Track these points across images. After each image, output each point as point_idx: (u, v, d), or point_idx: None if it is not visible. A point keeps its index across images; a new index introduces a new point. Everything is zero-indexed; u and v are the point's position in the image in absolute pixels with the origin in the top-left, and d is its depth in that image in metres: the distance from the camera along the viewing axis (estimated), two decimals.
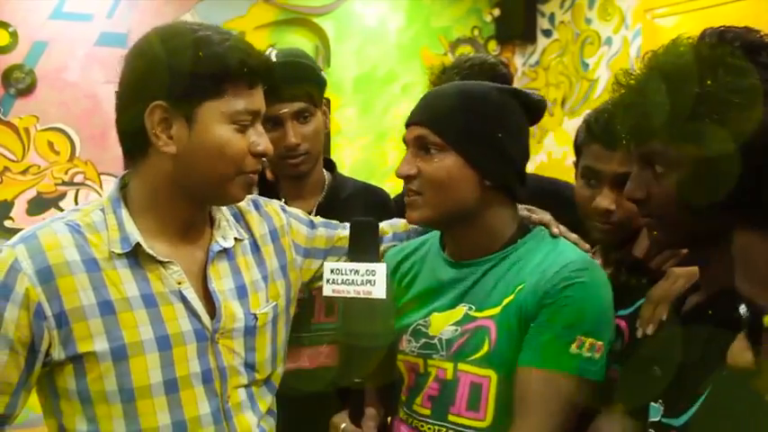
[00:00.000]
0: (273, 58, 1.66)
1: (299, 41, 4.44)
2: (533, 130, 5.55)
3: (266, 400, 1.33)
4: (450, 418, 1.31)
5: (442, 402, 1.32)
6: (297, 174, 1.73)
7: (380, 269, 1.29)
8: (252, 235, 1.35)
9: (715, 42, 0.93)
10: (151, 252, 1.18)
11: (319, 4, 4.51)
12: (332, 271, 1.31)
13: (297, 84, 1.64)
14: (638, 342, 1.18)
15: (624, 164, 1.37)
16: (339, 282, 1.30)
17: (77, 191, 3.88)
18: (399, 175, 1.33)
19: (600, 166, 1.43)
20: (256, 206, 1.40)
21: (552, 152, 4.77)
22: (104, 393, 1.14)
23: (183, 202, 1.21)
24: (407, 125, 1.35)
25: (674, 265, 1.27)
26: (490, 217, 1.34)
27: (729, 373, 0.84)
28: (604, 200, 1.42)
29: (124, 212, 1.19)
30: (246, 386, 1.27)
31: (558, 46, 4.84)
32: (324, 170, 1.84)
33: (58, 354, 1.12)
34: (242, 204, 1.36)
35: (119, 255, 1.16)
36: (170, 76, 1.13)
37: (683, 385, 0.94)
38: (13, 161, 3.77)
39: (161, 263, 1.19)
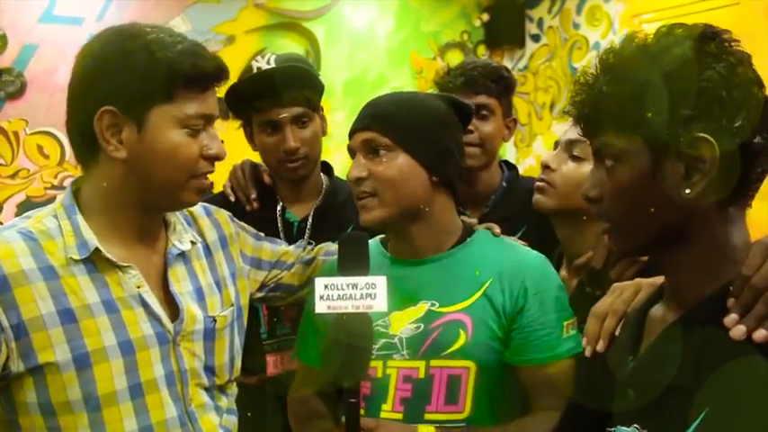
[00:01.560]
0: (273, 63, 1.68)
1: (290, 45, 4.45)
2: (522, 133, 5.54)
3: (225, 401, 1.32)
4: (427, 416, 1.33)
5: (417, 403, 1.34)
6: (295, 177, 1.75)
7: (380, 282, 1.27)
8: (204, 240, 1.34)
9: (664, 33, 0.91)
10: (110, 257, 1.15)
11: (309, 8, 4.52)
12: (326, 287, 1.28)
13: (296, 89, 1.66)
14: (596, 361, 1.08)
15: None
16: (335, 297, 1.27)
17: None
18: (351, 179, 1.36)
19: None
20: (207, 212, 1.39)
21: (541, 156, 4.81)
22: (68, 404, 1.10)
23: (135, 208, 1.19)
24: (352, 134, 1.39)
25: (635, 273, 1.26)
26: (439, 213, 1.41)
27: (730, 390, 0.80)
28: (552, 157, 1.51)
29: (80, 218, 1.16)
30: (207, 389, 1.26)
31: (546, 50, 4.88)
32: (321, 174, 1.85)
33: (16, 366, 1.08)
34: (194, 210, 1.35)
35: (76, 261, 1.13)
36: (120, 81, 1.11)
37: (669, 408, 0.87)
38: (2, 165, 3.74)
39: (119, 267, 1.16)
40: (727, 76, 0.86)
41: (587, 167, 1.40)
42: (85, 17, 3.89)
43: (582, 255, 1.49)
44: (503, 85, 1.96)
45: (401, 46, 4.84)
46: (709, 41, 0.89)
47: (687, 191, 0.88)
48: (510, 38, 4.97)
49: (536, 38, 4.94)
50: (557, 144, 1.55)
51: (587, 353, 1.09)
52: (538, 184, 1.51)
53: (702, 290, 0.91)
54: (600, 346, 1.07)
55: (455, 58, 4.88)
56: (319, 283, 1.29)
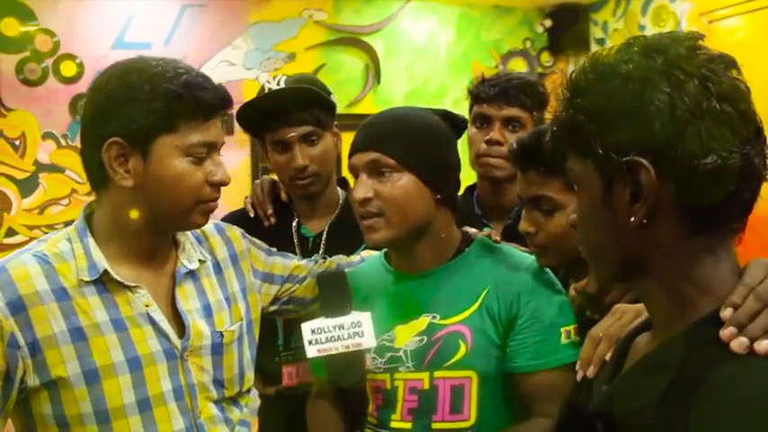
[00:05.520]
0: (283, 84, 1.74)
1: (349, 60, 4.55)
2: None
3: (237, 413, 1.36)
4: (434, 426, 1.35)
5: (424, 413, 1.36)
6: (307, 194, 1.79)
7: (366, 319, 1.31)
8: (215, 257, 1.39)
9: (619, 49, 0.85)
10: (118, 278, 1.21)
11: (368, 22, 4.59)
12: (313, 331, 1.31)
13: (303, 109, 1.70)
14: (581, 386, 1.05)
15: (535, 186, 1.38)
16: (323, 341, 1.31)
17: None
18: (357, 199, 1.37)
19: (519, 190, 1.45)
20: (219, 230, 1.44)
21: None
22: (80, 416, 1.17)
23: (145, 231, 1.25)
24: (353, 153, 1.40)
25: (631, 300, 1.20)
26: (440, 228, 1.42)
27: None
28: (523, 222, 1.43)
29: (90, 241, 1.22)
30: (216, 401, 1.30)
31: None
32: (338, 189, 1.89)
33: (32, 380, 1.15)
34: (206, 228, 1.40)
35: (87, 282, 1.19)
36: (124, 113, 1.17)
37: None
38: (80, 183, 4.00)
39: (128, 287, 1.23)
40: (672, 94, 0.79)
41: (563, 217, 1.38)
42: (154, 42, 4.12)
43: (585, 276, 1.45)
44: (536, 100, 1.94)
45: (462, 56, 4.84)
46: (657, 58, 0.82)
47: (632, 218, 0.82)
48: (574, 43, 4.88)
49: (601, 41, 4.82)
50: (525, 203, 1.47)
51: (578, 377, 1.05)
52: (533, 250, 1.45)
53: (674, 324, 0.85)
54: (590, 372, 1.03)
55: (518, 66, 4.83)
56: (306, 328, 1.33)
